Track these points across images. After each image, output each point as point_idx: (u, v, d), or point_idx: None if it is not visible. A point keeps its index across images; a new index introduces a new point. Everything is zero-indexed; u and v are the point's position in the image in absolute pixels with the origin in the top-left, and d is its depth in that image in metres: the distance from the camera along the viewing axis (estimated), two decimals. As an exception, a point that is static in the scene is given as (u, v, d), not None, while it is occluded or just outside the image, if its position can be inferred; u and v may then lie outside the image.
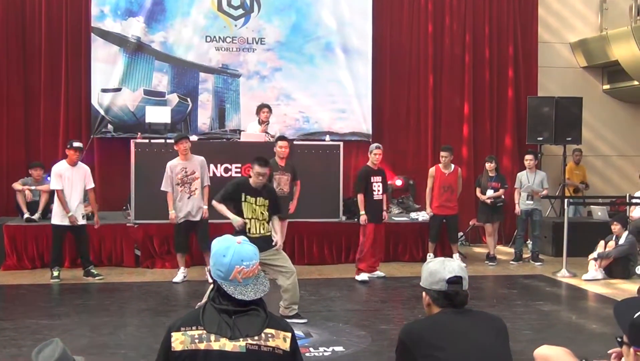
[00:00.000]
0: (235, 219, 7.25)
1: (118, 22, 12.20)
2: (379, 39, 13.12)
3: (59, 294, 8.85)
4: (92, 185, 9.67)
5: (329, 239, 10.76)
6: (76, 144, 9.50)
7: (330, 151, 10.83)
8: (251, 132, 10.96)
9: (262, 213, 7.28)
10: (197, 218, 9.33)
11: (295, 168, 9.69)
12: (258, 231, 7.20)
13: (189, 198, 9.28)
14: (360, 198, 9.62)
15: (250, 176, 7.39)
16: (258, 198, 7.28)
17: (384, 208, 9.95)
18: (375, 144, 9.97)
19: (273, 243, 7.22)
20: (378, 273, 9.82)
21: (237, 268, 2.65)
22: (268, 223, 7.32)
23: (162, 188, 9.27)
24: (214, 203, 7.56)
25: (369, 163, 9.80)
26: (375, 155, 9.74)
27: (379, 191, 9.70)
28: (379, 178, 9.74)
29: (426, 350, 2.92)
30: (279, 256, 7.27)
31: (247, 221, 7.22)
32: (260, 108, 10.98)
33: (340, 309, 8.17)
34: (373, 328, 7.18)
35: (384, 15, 13.23)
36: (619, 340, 2.44)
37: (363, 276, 9.57)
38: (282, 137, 9.86)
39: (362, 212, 9.58)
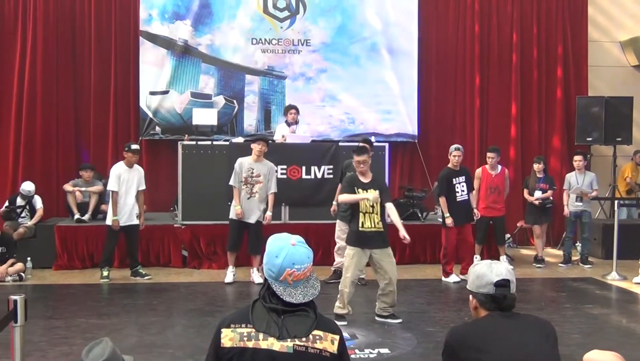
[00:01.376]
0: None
1: (166, 26, 12.36)
2: (425, 39, 13.05)
3: (108, 294, 9.00)
4: (144, 187, 9.82)
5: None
6: (134, 146, 9.70)
7: (376, 152, 10.78)
8: (279, 134, 10.97)
9: (373, 206, 7.26)
10: (251, 220, 9.34)
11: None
12: (373, 225, 7.24)
13: (248, 198, 9.32)
14: (442, 201, 9.66)
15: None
16: (368, 190, 7.31)
17: (473, 205, 9.94)
18: (455, 146, 9.98)
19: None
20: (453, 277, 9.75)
21: (288, 271, 2.66)
22: (380, 215, 7.30)
23: (230, 182, 9.30)
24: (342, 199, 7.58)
25: (449, 165, 9.80)
26: (454, 157, 9.77)
27: (462, 191, 9.71)
28: (462, 179, 9.74)
29: (472, 353, 2.89)
30: (387, 260, 7.30)
31: (361, 215, 7.25)
32: (287, 109, 11.00)
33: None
34: (418, 330, 7.15)
35: (430, 15, 13.15)
36: None
37: (454, 278, 9.63)
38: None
39: (447, 214, 9.58)
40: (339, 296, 7.37)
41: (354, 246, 7.30)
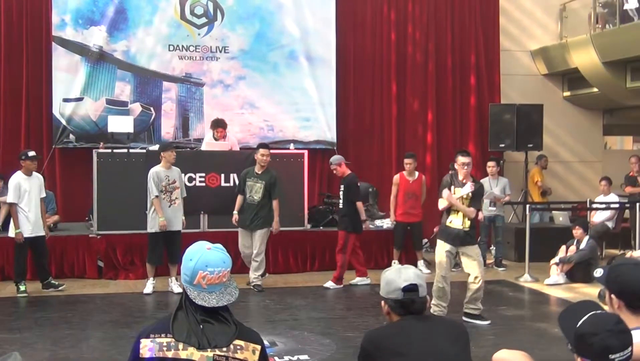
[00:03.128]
0: None
1: (79, 31, 12.07)
2: (343, 47, 13.16)
3: (19, 307, 8.72)
4: (45, 194, 9.48)
5: (294, 248, 10.74)
6: (31, 153, 9.31)
7: (294, 159, 10.84)
8: (206, 147, 10.94)
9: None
10: (176, 228, 9.24)
11: (276, 180, 9.55)
12: (461, 224, 7.60)
13: (169, 206, 9.19)
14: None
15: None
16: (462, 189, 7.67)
17: (362, 216, 10.05)
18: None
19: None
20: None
21: (201, 273, 2.62)
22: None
23: (155, 194, 9.09)
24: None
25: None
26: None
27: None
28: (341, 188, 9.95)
29: (387, 356, 2.94)
30: (473, 260, 7.65)
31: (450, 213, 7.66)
32: (215, 126, 10.93)
33: (306, 317, 8.16)
34: (338, 335, 7.19)
35: (347, 23, 13.28)
36: (571, 349, 2.46)
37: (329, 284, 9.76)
38: (263, 145, 9.80)
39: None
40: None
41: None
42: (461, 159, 7.72)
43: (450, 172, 8.02)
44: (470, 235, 7.70)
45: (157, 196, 9.10)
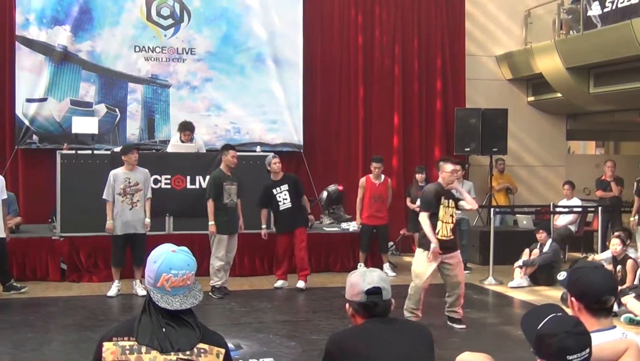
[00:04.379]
0: None
1: (44, 31, 11.92)
2: (310, 50, 13.18)
3: (-20, 310, 8.57)
4: (5, 196, 9.32)
5: (260, 251, 10.70)
6: None
7: (261, 162, 10.77)
8: (172, 148, 10.86)
9: (452, 216, 7.71)
10: (138, 231, 9.14)
11: (242, 180, 9.53)
12: (447, 233, 7.60)
13: (130, 209, 9.10)
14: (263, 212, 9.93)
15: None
16: (450, 200, 7.70)
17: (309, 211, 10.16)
18: (272, 154, 10.18)
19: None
20: None
21: (165, 276, 2.60)
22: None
23: (104, 197, 9.05)
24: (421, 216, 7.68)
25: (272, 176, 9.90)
26: (274, 164, 9.90)
27: (285, 200, 9.81)
28: (284, 187, 9.83)
29: (351, 359, 2.94)
30: (453, 270, 7.66)
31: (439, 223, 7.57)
32: (182, 128, 10.85)
33: (271, 320, 8.14)
34: (303, 338, 7.19)
35: (315, 26, 13.30)
36: (532, 350, 2.50)
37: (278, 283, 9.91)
38: (230, 147, 9.67)
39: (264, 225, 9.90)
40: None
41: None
42: (450, 166, 7.75)
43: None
44: (454, 241, 7.77)
45: (108, 200, 9.02)
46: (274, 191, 9.74)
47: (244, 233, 9.71)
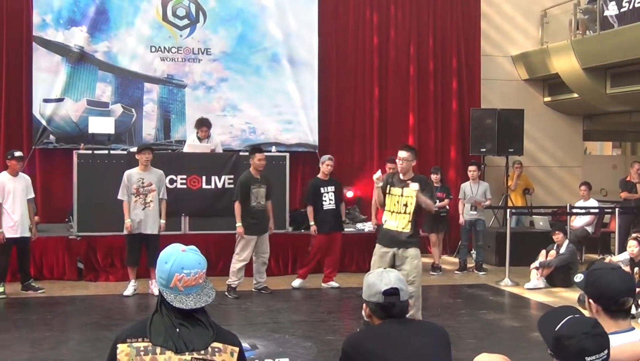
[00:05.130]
0: None
1: (60, 32, 11.99)
2: (325, 50, 13.18)
3: (-2, 308, 8.65)
4: (33, 195, 9.44)
5: (275, 251, 10.68)
6: (17, 153, 9.28)
7: (276, 162, 10.81)
8: (190, 143, 10.90)
9: (406, 206, 7.09)
10: (150, 231, 9.18)
11: (271, 181, 9.59)
12: (395, 225, 7.10)
13: (143, 209, 9.14)
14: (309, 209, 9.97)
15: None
16: (404, 189, 7.13)
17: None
18: (327, 156, 10.14)
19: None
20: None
21: (177, 276, 2.61)
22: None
23: (119, 197, 9.11)
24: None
25: (319, 175, 10.04)
26: (327, 166, 10.05)
27: (331, 200, 9.95)
28: (330, 188, 10.00)
29: (368, 360, 2.94)
30: (408, 265, 7.12)
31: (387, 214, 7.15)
32: (199, 125, 10.90)
33: (287, 320, 8.15)
34: (319, 338, 7.18)
35: (330, 26, 13.30)
36: (551, 353, 2.48)
37: (296, 283, 9.99)
38: (258, 149, 9.73)
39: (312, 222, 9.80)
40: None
41: None
42: (399, 153, 7.30)
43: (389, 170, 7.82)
44: (409, 236, 7.13)
45: (122, 200, 9.08)
46: (322, 189, 9.88)
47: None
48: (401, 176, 7.28)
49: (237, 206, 9.23)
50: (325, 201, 9.88)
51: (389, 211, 7.23)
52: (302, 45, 12.97)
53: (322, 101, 13.09)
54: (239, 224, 9.20)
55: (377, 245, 7.32)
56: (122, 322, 7.70)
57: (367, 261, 10.89)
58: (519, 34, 14.56)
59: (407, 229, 7.11)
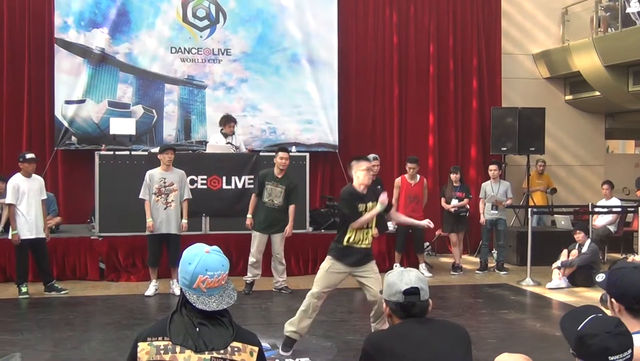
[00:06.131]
0: None
1: (82, 33, 12.09)
2: (345, 50, 13.18)
3: (21, 308, 8.72)
4: (45, 196, 9.49)
5: (295, 251, 10.72)
6: (29, 155, 9.32)
7: (296, 162, 10.81)
8: (214, 143, 10.95)
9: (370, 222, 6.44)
10: (172, 231, 9.23)
11: (295, 185, 9.52)
12: (367, 242, 6.43)
13: (164, 209, 9.18)
14: None
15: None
16: (368, 204, 6.36)
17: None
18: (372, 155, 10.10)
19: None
20: None
21: (201, 277, 2.62)
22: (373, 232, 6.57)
23: (140, 196, 9.17)
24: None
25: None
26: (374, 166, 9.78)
27: None
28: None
29: (388, 359, 2.93)
30: (371, 276, 6.45)
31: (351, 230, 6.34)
32: (224, 121, 10.95)
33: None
34: (339, 338, 7.18)
35: (349, 26, 13.30)
36: (573, 353, 2.47)
37: None
38: (283, 148, 9.76)
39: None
40: None
41: None
42: (364, 164, 6.45)
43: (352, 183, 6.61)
44: (371, 250, 6.59)
45: (144, 200, 9.14)
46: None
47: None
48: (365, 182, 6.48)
49: (252, 198, 9.46)
50: None
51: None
52: (322, 45, 12.97)
53: (342, 101, 13.09)
54: (248, 215, 9.44)
55: (333, 261, 6.57)
56: (143, 322, 7.74)
57: (387, 260, 10.95)
58: (540, 32, 14.47)
59: (369, 244, 6.57)
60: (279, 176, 9.37)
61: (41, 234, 9.26)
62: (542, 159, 13.50)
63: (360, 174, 6.34)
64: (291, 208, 9.45)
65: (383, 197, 6.35)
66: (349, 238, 6.35)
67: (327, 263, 6.53)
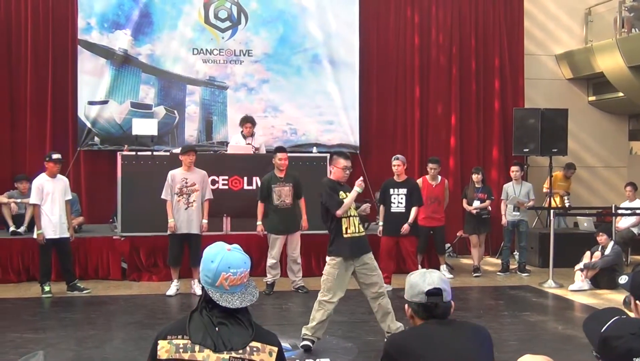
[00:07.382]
0: None
1: (105, 35, 12.19)
2: (366, 50, 13.17)
3: (45, 307, 8.80)
4: (70, 197, 9.57)
5: (316, 251, 10.69)
6: (55, 155, 9.40)
7: (317, 163, 10.84)
8: (234, 144, 10.99)
9: (354, 209, 6.83)
10: (193, 231, 9.28)
11: (299, 180, 9.62)
12: (357, 230, 6.75)
13: (186, 209, 9.23)
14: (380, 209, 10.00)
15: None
16: (346, 193, 6.76)
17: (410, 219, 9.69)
18: (395, 156, 10.08)
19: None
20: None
21: (224, 275, 2.64)
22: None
23: (162, 196, 9.25)
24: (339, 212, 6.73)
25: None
26: (393, 166, 9.89)
27: (400, 203, 9.78)
28: (402, 190, 9.78)
29: (410, 360, 2.92)
30: (372, 273, 6.75)
31: (344, 220, 6.68)
32: (243, 122, 11.00)
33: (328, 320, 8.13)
34: (360, 339, 7.18)
35: (371, 27, 13.29)
36: (596, 355, 2.45)
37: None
38: (281, 149, 9.81)
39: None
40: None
41: None
42: (342, 162, 6.85)
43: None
44: (365, 238, 6.87)
45: (166, 200, 9.20)
46: (391, 190, 9.83)
47: (300, 233, 9.74)
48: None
49: (259, 206, 9.55)
50: (394, 203, 9.75)
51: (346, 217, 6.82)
52: (343, 46, 12.97)
53: (363, 102, 13.08)
54: (258, 222, 9.51)
55: (336, 260, 6.80)
56: (165, 321, 7.76)
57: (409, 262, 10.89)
58: (563, 33, 14.37)
59: (363, 231, 6.95)
60: (282, 176, 9.46)
61: (65, 234, 9.33)
62: (573, 165, 13.36)
63: (335, 171, 6.89)
64: (301, 201, 9.57)
65: (359, 181, 6.81)
66: (346, 228, 6.71)
67: (333, 267, 6.76)
